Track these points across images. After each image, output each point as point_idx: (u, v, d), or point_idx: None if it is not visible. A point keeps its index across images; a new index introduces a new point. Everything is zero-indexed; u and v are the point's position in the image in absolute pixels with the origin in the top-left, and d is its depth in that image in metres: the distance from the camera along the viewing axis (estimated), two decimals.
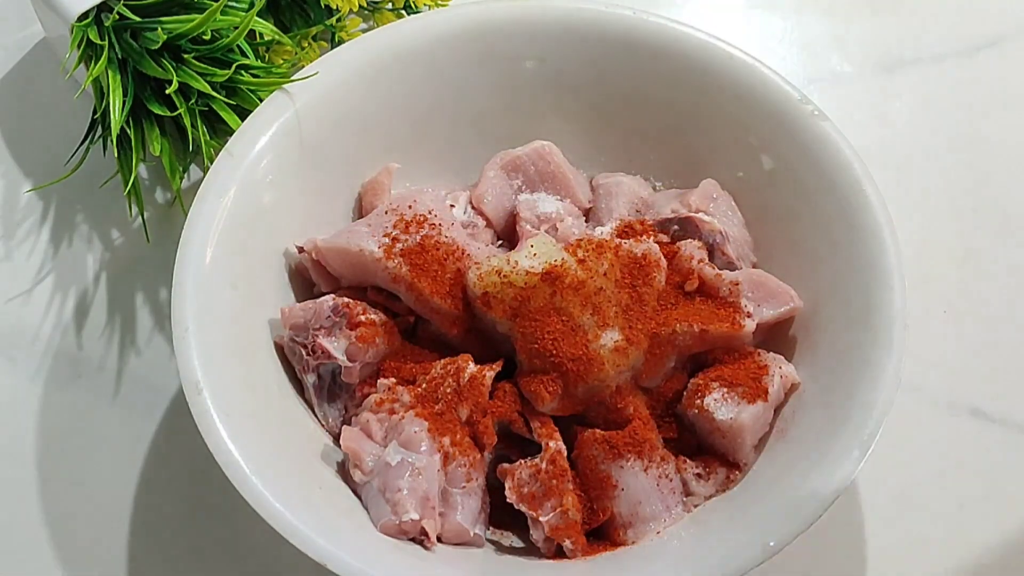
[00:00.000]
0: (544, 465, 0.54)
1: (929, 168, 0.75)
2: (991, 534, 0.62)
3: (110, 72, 0.64)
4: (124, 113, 0.64)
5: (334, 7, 0.72)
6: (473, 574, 0.53)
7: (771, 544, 0.49)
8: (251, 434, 0.51)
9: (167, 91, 0.63)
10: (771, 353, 0.58)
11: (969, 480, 0.63)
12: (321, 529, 0.49)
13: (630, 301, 0.57)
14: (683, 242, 0.60)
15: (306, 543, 0.48)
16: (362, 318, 0.57)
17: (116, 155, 0.66)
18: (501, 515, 0.56)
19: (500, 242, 0.64)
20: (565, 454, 0.55)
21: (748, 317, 0.58)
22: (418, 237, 0.58)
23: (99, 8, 0.65)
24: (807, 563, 0.60)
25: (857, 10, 0.83)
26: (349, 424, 0.57)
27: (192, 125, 0.63)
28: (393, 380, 0.57)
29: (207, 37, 0.65)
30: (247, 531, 0.60)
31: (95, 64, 0.64)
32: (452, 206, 0.62)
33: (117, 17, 0.65)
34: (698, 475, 0.56)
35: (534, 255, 0.56)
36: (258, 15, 0.66)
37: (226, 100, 0.64)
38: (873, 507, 0.62)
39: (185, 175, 0.69)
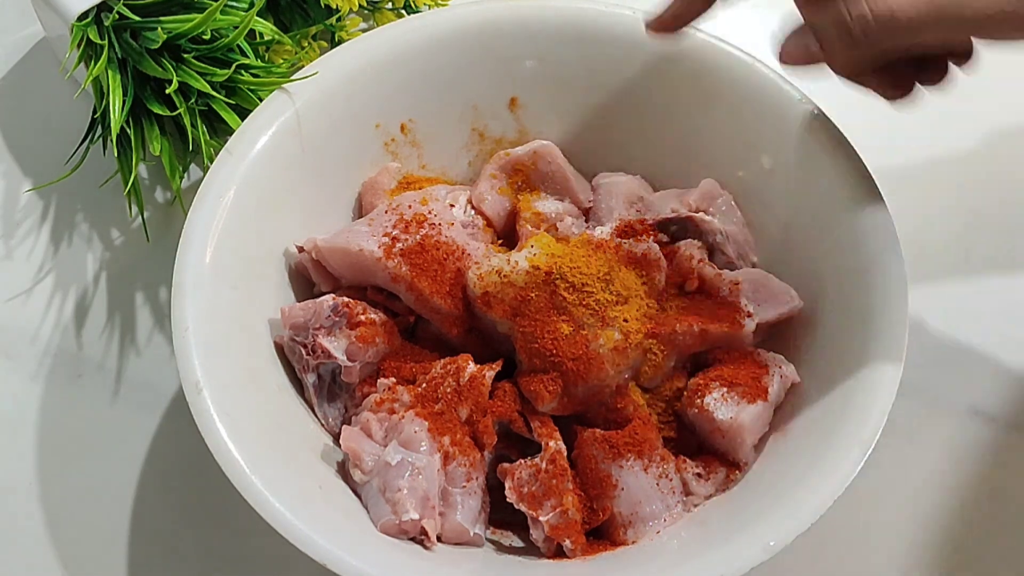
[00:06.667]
0: (544, 465, 0.54)
1: (929, 168, 0.75)
2: (991, 534, 0.62)
3: (110, 72, 0.64)
4: (124, 113, 0.64)
5: (334, 7, 0.72)
6: (473, 574, 0.53)
7: (771, 544, 0.49)
8: (251, 434, 0.51)
9: (167, 91, 0.63)
10: (771, 353, 0.58)
11: (969, 480, 0.63)
12: (321, 529, 0.49)
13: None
14: (683, 242, 0.60)
15: (306, 543, 0.48)
16: (362, 318, 0.57)
17: (116, 155, 0.66)
18: (501, 515, 0.56)
19: (500, 242, 0.64)
20: (565, 454, 0.55)
21: (748, 317, 0.58)
22: (418, 237, 0.58)
23: (99, 8, 0.65)
24: (807, 563, 0.60)
25: None
26: (349, 424, 0.57)
27: (192, 125, 0.63)
28: (393, 380, 0.57)
29: (207, 37, 0.65)
30: (247, 531, 0.60)
31: (95, 64, 0.64)
32: (452, 206, 0.62)
33: (117, 17, 0.65)
34: (698, 475, 0.56)
35: (534, 255, 0.56)
36: (258, 15, 0.66)
37: (226, 100, 0.64)
38: (873, 507, 0.62)
39: (185, 175, 0.69)
